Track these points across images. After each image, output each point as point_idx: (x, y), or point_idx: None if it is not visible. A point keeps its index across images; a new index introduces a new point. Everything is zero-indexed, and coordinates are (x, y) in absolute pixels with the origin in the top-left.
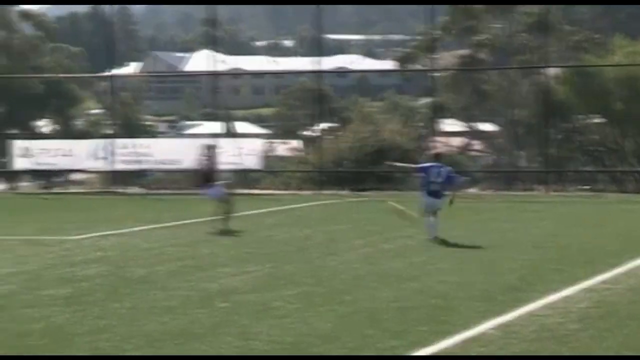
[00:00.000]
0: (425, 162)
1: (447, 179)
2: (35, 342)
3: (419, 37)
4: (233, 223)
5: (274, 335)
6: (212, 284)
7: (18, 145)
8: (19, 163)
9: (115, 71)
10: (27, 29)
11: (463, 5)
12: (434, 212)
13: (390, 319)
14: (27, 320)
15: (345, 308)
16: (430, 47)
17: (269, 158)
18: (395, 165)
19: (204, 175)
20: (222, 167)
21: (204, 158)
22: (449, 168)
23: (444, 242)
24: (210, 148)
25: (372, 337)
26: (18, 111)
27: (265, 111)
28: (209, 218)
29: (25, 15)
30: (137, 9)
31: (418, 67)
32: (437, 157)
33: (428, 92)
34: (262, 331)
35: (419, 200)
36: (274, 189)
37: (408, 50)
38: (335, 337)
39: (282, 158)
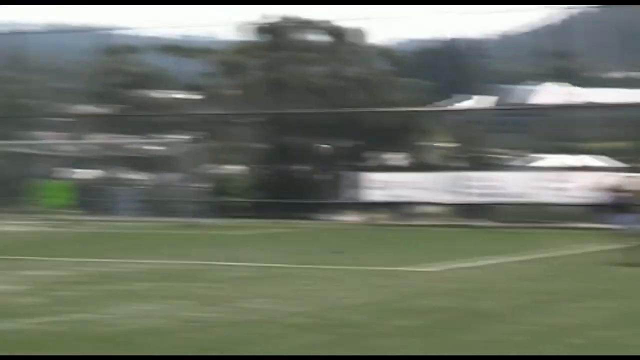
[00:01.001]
0: None
1: None
2: None
3: None
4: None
5: None
6: (563, 319)
7: (371, 177)
8: (373, 195)
9: (464, 104)
10: (381, 64)
11: None
12: None
13: None
14: (381, 349)
15: None
16: None
17: (621, 192)
18: None
19: (617, 208)
20: (629, 200)
21: (615, 191)
22: None
23: None
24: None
25: None
26: (370, 144)
27: (617, 145)
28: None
29: (382, 51)
30: (488, 42)
31: None
32: None
33: None
34: None
35: None
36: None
37: None
38: None
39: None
